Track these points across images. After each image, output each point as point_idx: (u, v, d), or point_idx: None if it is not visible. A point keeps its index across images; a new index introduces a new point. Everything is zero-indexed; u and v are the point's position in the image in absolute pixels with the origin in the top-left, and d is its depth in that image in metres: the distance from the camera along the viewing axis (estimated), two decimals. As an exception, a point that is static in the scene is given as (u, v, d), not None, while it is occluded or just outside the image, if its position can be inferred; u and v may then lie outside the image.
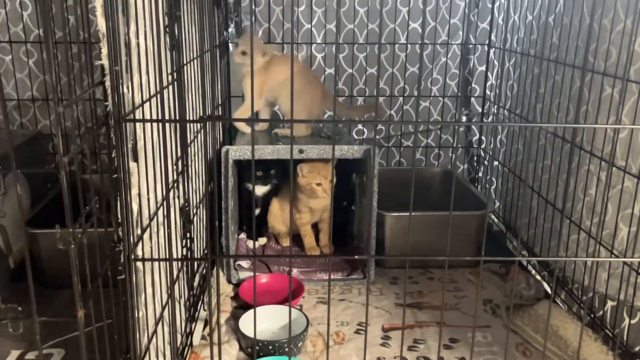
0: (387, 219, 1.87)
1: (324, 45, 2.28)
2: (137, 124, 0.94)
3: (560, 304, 1.71)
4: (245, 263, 1.89)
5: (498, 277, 1.90)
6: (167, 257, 1.03)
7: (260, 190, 2.00)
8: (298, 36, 2.27)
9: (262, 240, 2.06)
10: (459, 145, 2.45)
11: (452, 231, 1.86)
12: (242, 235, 2.07)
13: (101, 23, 0.82)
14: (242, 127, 1.98)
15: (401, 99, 2.35)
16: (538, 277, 1.90)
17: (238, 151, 1.77)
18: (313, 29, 2.26)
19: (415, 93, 2.35)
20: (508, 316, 1.64)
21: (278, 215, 2.03)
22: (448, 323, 1.63)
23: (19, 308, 0.80)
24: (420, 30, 2.29)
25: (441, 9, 2.27)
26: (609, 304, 1.50)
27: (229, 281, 1.80)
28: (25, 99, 2.20)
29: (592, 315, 1.55)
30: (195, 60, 1.58)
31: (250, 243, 2.04)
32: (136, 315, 0.94)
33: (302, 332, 1.47)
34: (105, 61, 0.82)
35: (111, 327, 0.97)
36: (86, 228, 0.78)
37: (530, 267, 1.94)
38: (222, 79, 2.16)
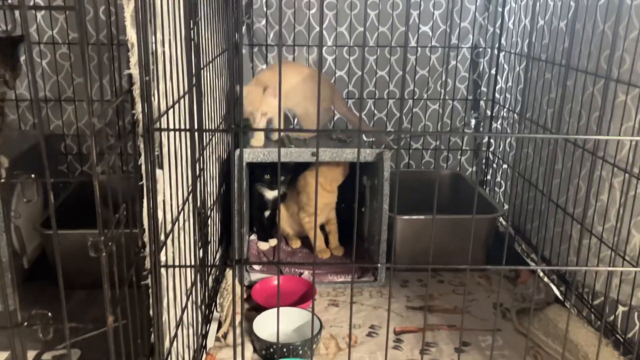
0: (398, 221, 1.88)
1: (334, 47, 2.29)
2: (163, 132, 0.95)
3: (570, 308, 1.72)
4: (256, 265, 1.90)
5: (507, 280, 1.91)
6: (192, 263, 1.04)
7: (270, 194, 2.01)
8: (309, 39, 2.27)
9: (273, 242, 2.07)
10: (468, 148, 2.46)
11: (461, 234, 1.90)
12: (253, 237, 2.09)
13: (130, 32, 0.83)
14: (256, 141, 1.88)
15: (411, 101, 2.36)
16: (546, 280, 1.91)
17: (251, 154, 1.78)
18: (324, 31, 2.27)
19: (425, 96, 2.37)
20: (518, 320, 1.65)
21: (286, 217, 2.05)
22: (459, 326, 1.64)
23: (49, 314, 0.81)
24: (430, 34, 2.29)
25: (451, 12, 2.28)
26: (620, 309, 1.51)
27: (241, 283, 1.82)
28: (38, 99, 2.21)
29: (602, 320, 1.57)
30: (210, 65, 1.59)
31: (260, 245, 2.05)
32: (162, 320, 0.95)
33: (316, 334, 1.48)
34: (134, 70, 0.84)
35: (128, 329, 0.98)
36: (117, 235, 0.79)
37: (539, 271, 1.95)
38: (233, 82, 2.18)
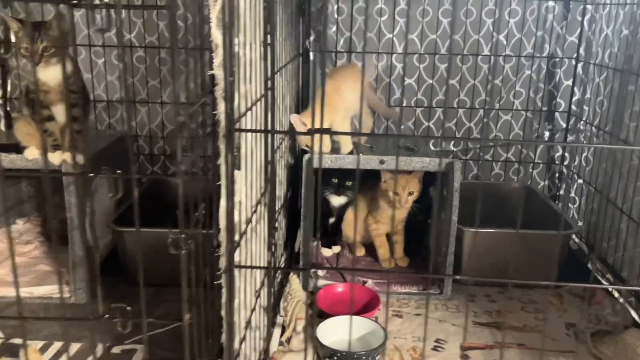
0: (466, 234, 1.83)
1: (404, 55, 2.27)
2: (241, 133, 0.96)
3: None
4: (320, 271, 1.89)
5: (581, 300, 1.83)
6: (262, 265, 1.04)
7: (336, 201, 2.00)
8: (379, 45, 2.26)
9: (336, 249, 2.06)
10: (540, 161, 2.37)
11: (532, 250, 1.83)
12: (316, 243, 2.08)
13: (215, 34, 0.84)
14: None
15: (481, 111, 2.31)
16: (623, 301, 1.81)
17: (319, 159, 1.77)
18: (394, 38, 2.25)
19: (497, 106, 2.30)
20: (593, 343, 1.57)
21: (353, 224, 2.03)
22: (529, 346, 1.58)
23: (128, 308, 0.82)
24: (504, 42, 2.23)
25: (527, 20, 2.22)
26: None
27: (305, 288, 1.81)
28: (114, 100, 2.29)
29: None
30: (282, 70, 1.60)
31: (324, 251, 2.04)
32: (234, 320, 0.96)
33: (381, 345, 1.45)
34: (218, 71, 0.84)
35: (199, 328, 0.99)
36: (196, 234, 0.80)
37: (615, 293, 1.85)
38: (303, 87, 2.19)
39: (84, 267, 1.71)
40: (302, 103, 2.17)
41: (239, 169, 0.93)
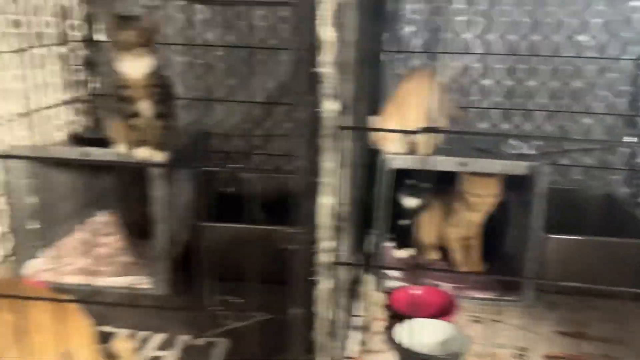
0: (548, 241, 1.78)
1: (483, 56, 2.23)
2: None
3: None
4: (394, 272, 1.88)
5: (669, 314, 1.75)
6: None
7: (410, 203, 1.98)
8: (456, 46, 2.23)
9: (410, 251, 2.04)
10: (622, 167, 2.28)
11: (616, 260, 1.77)
12: (389, 244, 2.06)
13: (325, 32, 0.84)
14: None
15: (561, 114, 2.24)
16: None
17: (396, 160, 1.76)
18: (476, 39, 2.22)
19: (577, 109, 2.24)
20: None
21: (428, 227, 2.00)
22: (614, 357, 1.52)
23: (241, 301, 0.84)
24: (589, 43, 2.16)
25: (612, 21, 2.14)
26: None
27: (380, 289, 1.80)
28: (195, 98, 2.33)
29: None
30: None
31: (398, 253, 2.03)
32: (328, 317, 0.96)
33: (463, 350, 1.43)
34: (328, 69, 0.84)
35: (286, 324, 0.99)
36: (304, 229, 0.80)
37: None
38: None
39: (165, 260, 1.75)
40: (374, 106, 2.16)
41: (343, 167, 0.93)
